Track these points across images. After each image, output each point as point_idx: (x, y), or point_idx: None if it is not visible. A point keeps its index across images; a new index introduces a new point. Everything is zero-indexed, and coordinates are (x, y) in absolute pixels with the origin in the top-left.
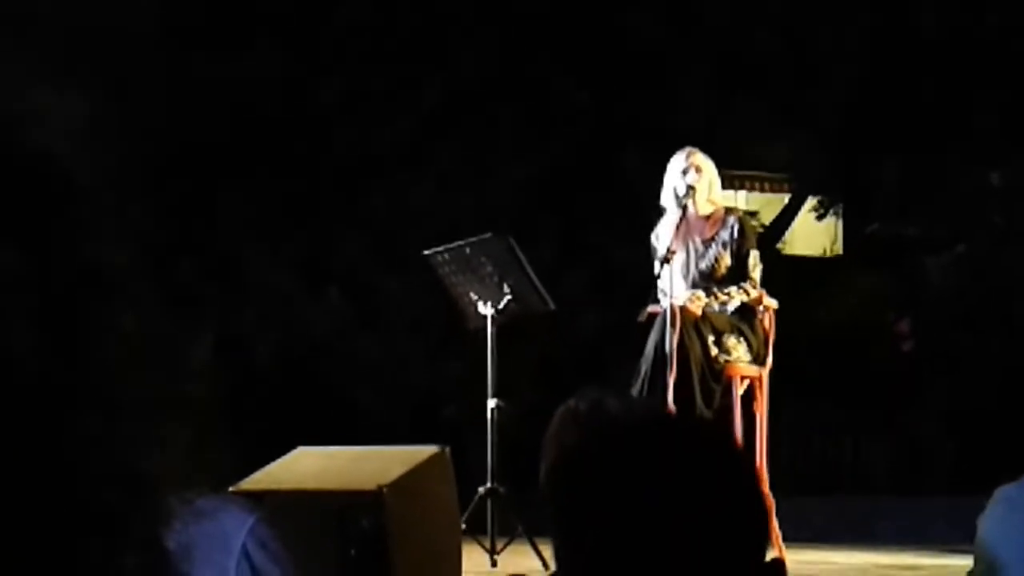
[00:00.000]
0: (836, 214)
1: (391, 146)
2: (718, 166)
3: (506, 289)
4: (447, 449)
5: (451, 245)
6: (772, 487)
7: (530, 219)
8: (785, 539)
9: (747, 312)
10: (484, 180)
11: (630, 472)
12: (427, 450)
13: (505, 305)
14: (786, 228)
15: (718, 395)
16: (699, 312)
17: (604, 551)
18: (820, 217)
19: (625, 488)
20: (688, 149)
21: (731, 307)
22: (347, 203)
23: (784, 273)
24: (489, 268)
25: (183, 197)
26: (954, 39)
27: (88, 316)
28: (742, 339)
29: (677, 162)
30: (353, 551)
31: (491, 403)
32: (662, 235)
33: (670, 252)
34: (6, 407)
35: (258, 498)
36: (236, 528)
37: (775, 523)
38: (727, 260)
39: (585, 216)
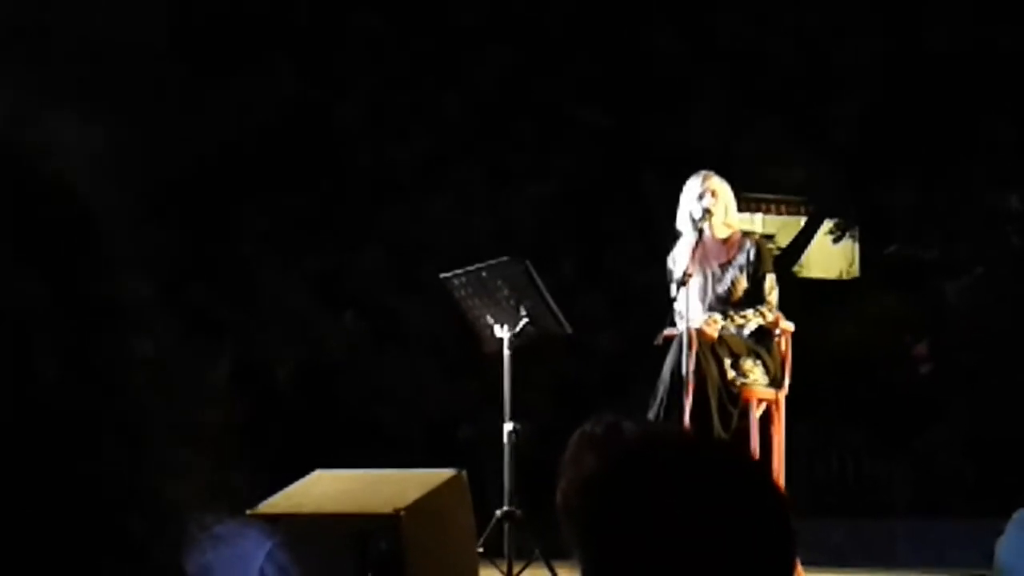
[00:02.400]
0: (853, 236)
1: (409, 166)
2: (734, 188)
3: (523, 312)
4: (464, 472)
5: (467, 269)
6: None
7: (548, 239)
8: (804, 562)
9: (764, 335)
10: (502, 200)
11: (657, 494)
12: (444, 473)
13: (522, 328)
14: (803, 251)
15: (735, 418)
16: (716, 335)
17: (631, 573)
18: (837, 240)
19: (653, 511)
20: (704, 173)
21: (748, 330)
22: (365, 223)
23: (801, 296)
24: (505, 291)
25: (200, 218)
26: (971, 58)
27: (108, 345)
28: (759, 362)
29: (693, 186)
30: (371, 574)
31: (508, 426)
32: (678, 258)
33: (686, 275)
34: (29, 434)
35: (276, 521)
36: (255, 552)
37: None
38: (744, 283)
39: (603, 236)
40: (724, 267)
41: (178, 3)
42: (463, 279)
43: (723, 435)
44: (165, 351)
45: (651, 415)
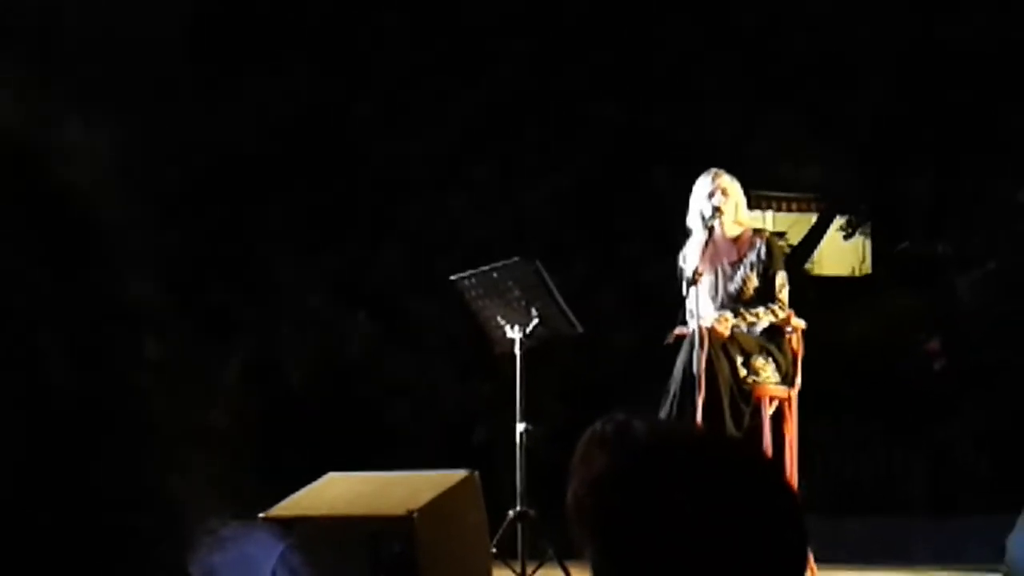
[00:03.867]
0: (864, 233)
1: (422, 163)
2: (744, 185)
3: (533, 313)
4: (477, 473)
5: (478, 270)
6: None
7: (561, 237)
8: (818, 560)
9: (775, 333)
10: (516, 197)
11: (668, 493)
12: (457, 474)
13: (533, 329)
14: (814, 248)
15: (747, 416)
16: (727, 333)
17: (643, 573)
18: (848, 236)
19: (664, 509)
20: (714, 171)
21: (759, 328)
22: (380, 221)
23: (812, 293)
24: (516, 292)
25: (215, 217)
26: (984, 51)
27: (118, 346)
28: (771, 360)
29: (703, 184)
30: None
31: (520, 426)
32: (689, 256)
33: (697, 274)
34: (38, 434)
35: (289, 524)
36: (266, 554)
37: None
38: (755, 281)
39: (615, 234)
40: (735, 265)
41: (193, 2)
42: (474, 280)
43: (735, 433)
44: (178, 351)
45: (663, 414)
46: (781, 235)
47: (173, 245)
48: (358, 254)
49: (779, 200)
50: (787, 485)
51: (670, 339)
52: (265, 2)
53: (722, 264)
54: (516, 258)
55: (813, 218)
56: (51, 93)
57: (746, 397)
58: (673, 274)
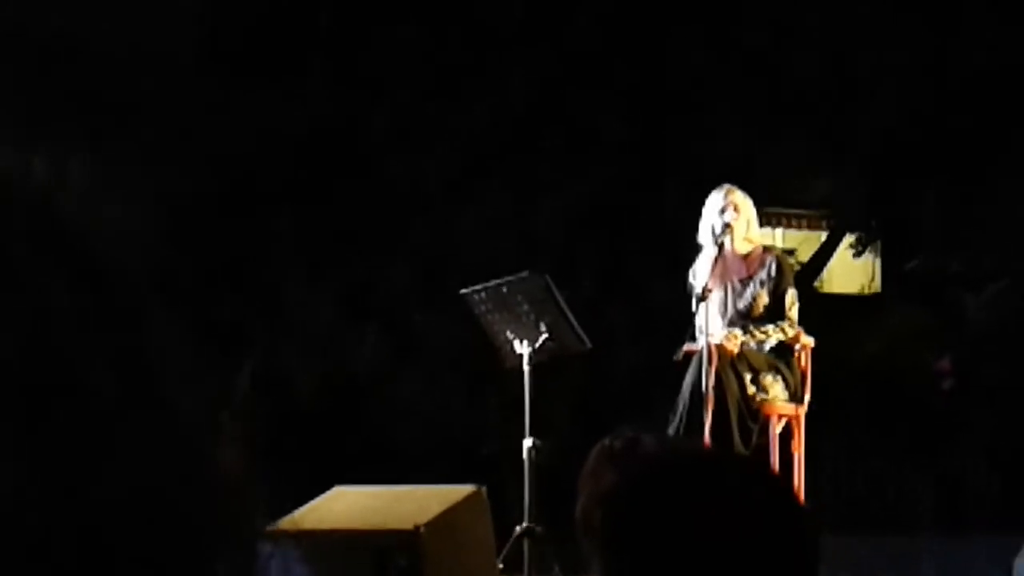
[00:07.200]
0: (874, 251)
1: (432, 179)
2: (756, 202)
3: (542, 328)
4: (484, 488)
5: (487, 284)
6: None
7: (571, 253)
8: None
9: (784, 350)
10: (527, 213)
11: (677, 510)
12: (464, 489)
13: (542, 344)
14: (823, 266)
15: (755, 434)
16: (736, 350)
17: None
18: (858, 254)
19: (673, 526)
20: (726, 187)
21: (768, 345)
22: (391, 236)
23: (821, 311)
24: (525, 307)
25: (224, 232)
26: (994, 69)
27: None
28: (779, 377)
29: (715, 200)
30: None
31: (527, 442)
32: (699, 273)
33: (707, 290)
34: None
35: (296, 537)
36: (273, 568)
37: None
38: (765, 299)
39: (624, 250)
40: (745, 282)
41: (206, 14)
42: (483, 294)
43: (743, 451)
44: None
45: (671, 430)
46: (791, 252)
47: (182, 257)
48: (368, 269)
49: (789, 217)
50: (797, 501)
51: (679, 355)
52: (278, 18)
53: (732, 281)
54: (526, 272)
55: (823, 236)
56: (65, 105)
57: (754, 414)
58: (682, 290)
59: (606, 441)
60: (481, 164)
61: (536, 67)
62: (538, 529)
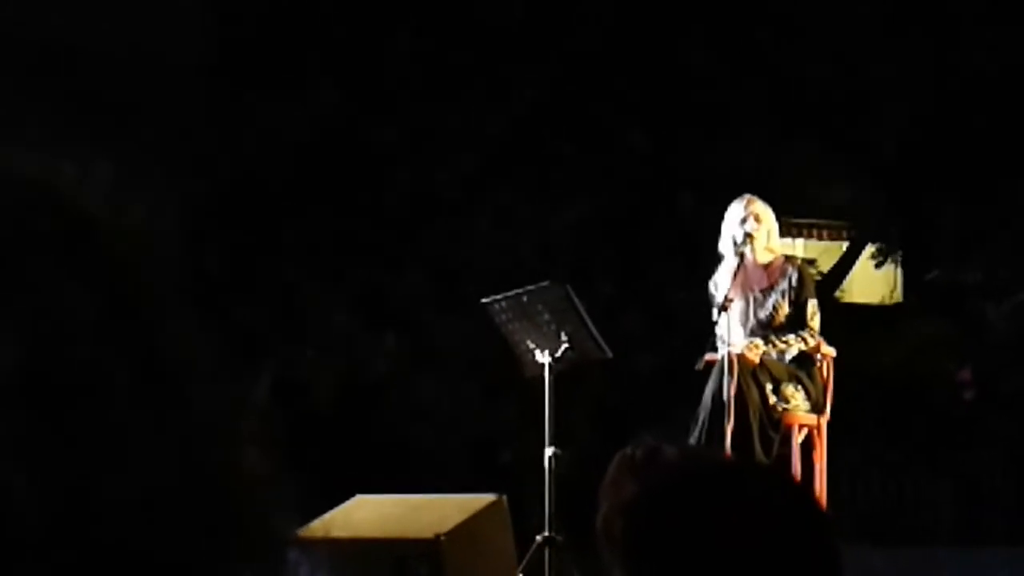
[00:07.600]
0: (895, 261)
1: (448, 186)
2: (776, 212)
3: (563, 337)
4: (504, 497)
5: (508, 293)
6: None
7: (588, 261)
8: None
9: (805, 360)
10: (542, 221)
11: (698, 519)
12: (485, 498)
13: (562, 353)
14: (844, 276)
15: (776, 444)
16: (757, 360)
17: None
18: (879, 265)
19: (694, 535)
20: (747, 197)
21: (789, 355)
22: (406, 243)
23: (843, 321)
24: (546, 316)
25: (241, 238)
26: (1013, 77)
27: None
28: (800, 387)
29: (736, 210)
30: None
31: (548, 451)
32: (720, 283)
33: (728, 300)
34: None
35: (316, 546)
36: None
37: None
38: (786, 309)
39: (643, 259)
40: (766, 292)
41: (216, 21)
42: (503, 304)
43: (764, 460)
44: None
45: (692, 440)
46: (811, 262)
47: (198, 263)
48: (383, 276)
49: (809, 227)
50: (820, 510)
51: (700, 365)
52: (290, 25)
53: (753, 291)
54: (546, 282)
55: (844, 246)
56: (76, 111)
57: (775, 424)
58: (700, 299)
59: (627, 450)
60: (499, 171)
61: (553, 74)
62: (559, 538)
